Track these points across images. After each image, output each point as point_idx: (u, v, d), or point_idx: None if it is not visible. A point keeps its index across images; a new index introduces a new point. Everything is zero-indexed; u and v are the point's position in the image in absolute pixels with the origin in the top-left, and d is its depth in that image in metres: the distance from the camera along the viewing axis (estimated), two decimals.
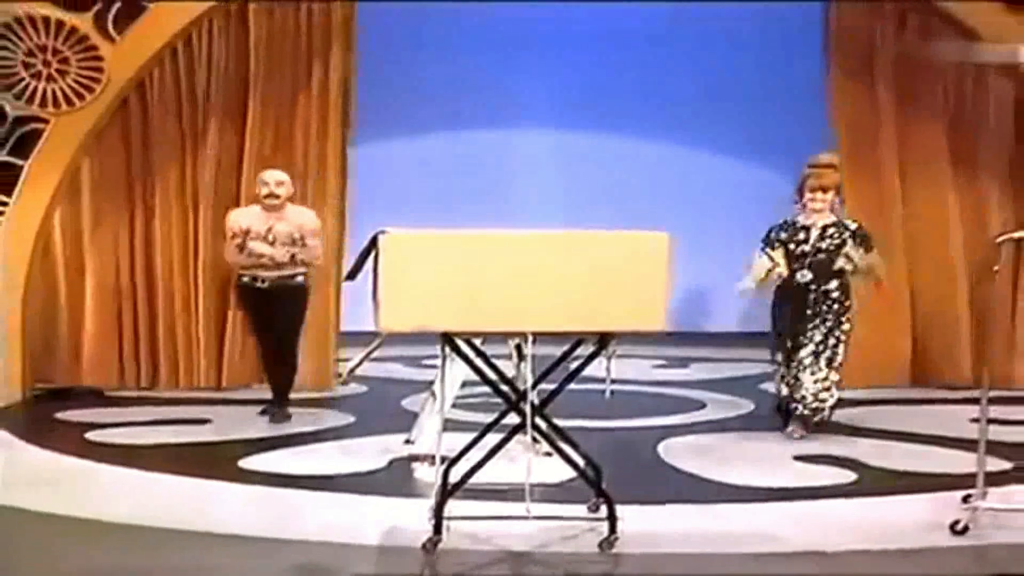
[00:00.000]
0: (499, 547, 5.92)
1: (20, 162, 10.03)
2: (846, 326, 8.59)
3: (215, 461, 7.80)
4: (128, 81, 10.20)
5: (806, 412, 8.54)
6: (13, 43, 9.91)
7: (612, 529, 5.92)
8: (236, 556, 5.88)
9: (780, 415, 8.84)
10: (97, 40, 9.97)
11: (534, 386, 6.19)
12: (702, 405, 10.17)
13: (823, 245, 8.58)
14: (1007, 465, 7.46)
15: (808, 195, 8.66)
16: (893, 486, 7.13)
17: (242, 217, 9.17)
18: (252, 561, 5.80)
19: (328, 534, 6.13)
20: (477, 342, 6.80)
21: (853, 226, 8.68)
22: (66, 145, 10.08)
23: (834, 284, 8.58)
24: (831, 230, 8.65)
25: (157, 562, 5.80)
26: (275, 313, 9.13)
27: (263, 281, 9.03)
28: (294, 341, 9.39)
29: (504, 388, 6.32)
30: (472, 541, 5.93)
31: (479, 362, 6.39)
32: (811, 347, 8.50)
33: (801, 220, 8.70)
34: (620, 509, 5.99)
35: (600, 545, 5.84)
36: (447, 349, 6.11)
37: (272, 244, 8.96)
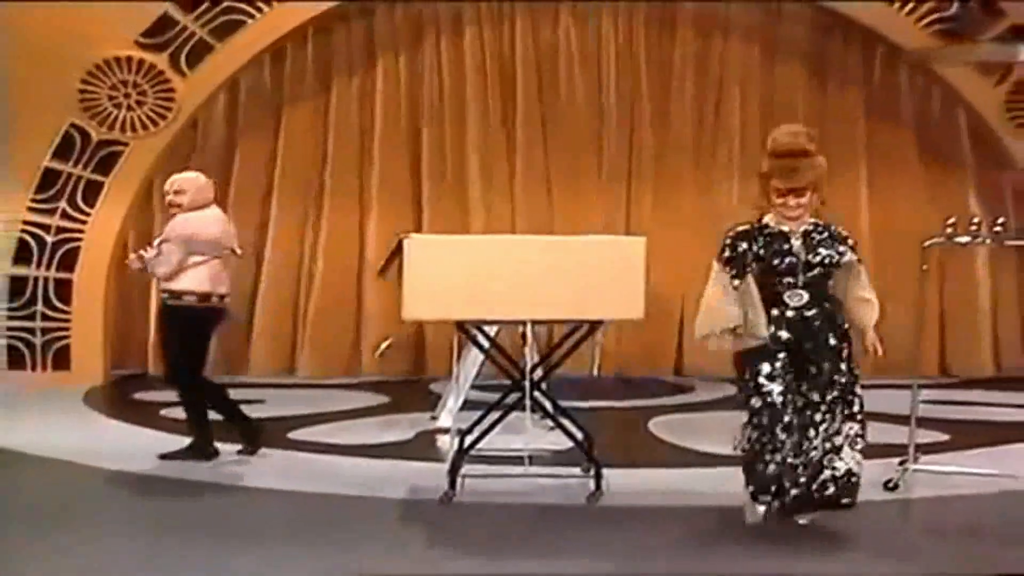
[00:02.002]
0: (502, 500, 6.37)
1: (102, 179, 10.45)
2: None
3: (268, 433, 8.08)
4: (196, 108, 10.63)
5: (837, 494, 5.74)
6: (100, 80, 10.35)
7: (598, 486, 6.40)
8: (285, 507, 6.36)
9: (778, 505, 5.77)
10: (171, 75, 10.38)
11: (534, 368, 6.70)
12: (692, 388, 10.48)
13: (818, 256, 5.73)
14: (944, 437, 7.93)
15: (776, 200, 5.78)
16: None
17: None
18: (298, 511, 6.24)
19: (362, 490, 6.61)
20: (491, 330, 7.26)
21: (842, 232, 5.91)
22: (141, 164, 10.45)
23: (835, 310, 5.80)
24: (817, 236, 5.79)
25: (216, 510, 6.30)
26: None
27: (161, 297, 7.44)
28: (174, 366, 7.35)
29: (509, 368, 6.81)
30: (480, 495, 6.38)
31: (487, 345, 6.88)
32: (829, 400, 5.72)
33: (772, 223, 5.83)
34: (608, 471, 6.47)
35: (587, 498, 6.32)
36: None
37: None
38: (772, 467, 5.63)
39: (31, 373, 10.42)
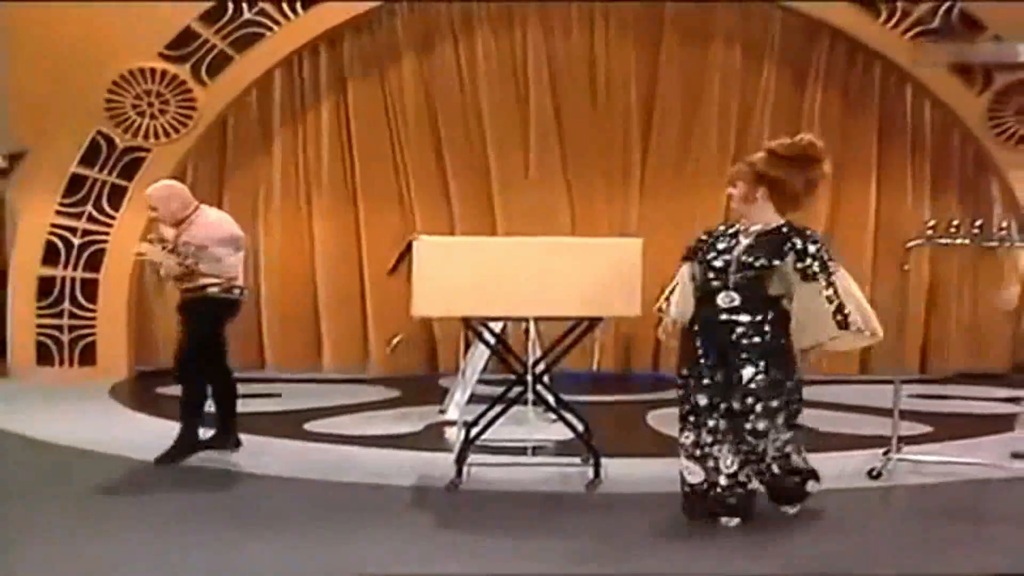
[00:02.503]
0: (506, 488, 6.57)
1: (126, 183, 10.68)
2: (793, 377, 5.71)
3: (286, 424, 8.42)
4: (216, 116, 10.86)
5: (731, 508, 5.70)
6: (125, 90, 10.60)
7: (596, 473, 6.60)
8: (301, 494, 6.57)
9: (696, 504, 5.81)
10: (192, 84, 10.62)
11: (537, 363, 6.90)
12: None
13: (753, 257, 5.63)
14: (928, 429, 8.13)
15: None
16: (834, 444, 7.60)
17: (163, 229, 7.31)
18: (314, 498, 6.45)
19: (373, 478, 6.81)
20: (496, 327, 7.45)
21: (800, 238, 5.64)
22: (164, 169, 10.41)
23: (770, 315, 5.62)
24: (768, 238, 5.66)
25: (233, 497, 6.52)
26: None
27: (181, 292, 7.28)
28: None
29: (513, 363, 7.01)
30: (485, 483, 6.60)
31: (492, 341, 7.09)
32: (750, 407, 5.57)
33: (737, 224, 5.86)
34: (608, 461, 6.67)
35: (586, 486, 6.52)
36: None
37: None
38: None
39: (59, 368, 10.67)
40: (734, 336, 5.62)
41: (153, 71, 10.60)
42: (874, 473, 6.75)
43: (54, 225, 10.70)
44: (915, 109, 11.29)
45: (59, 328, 10.74)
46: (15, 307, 10.78)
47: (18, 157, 10.83)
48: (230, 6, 10.58)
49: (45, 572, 5.14)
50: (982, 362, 11.17)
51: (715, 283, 5.70)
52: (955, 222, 6.90)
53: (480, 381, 8.60)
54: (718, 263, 5.71)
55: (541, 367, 6.86)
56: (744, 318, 5.62)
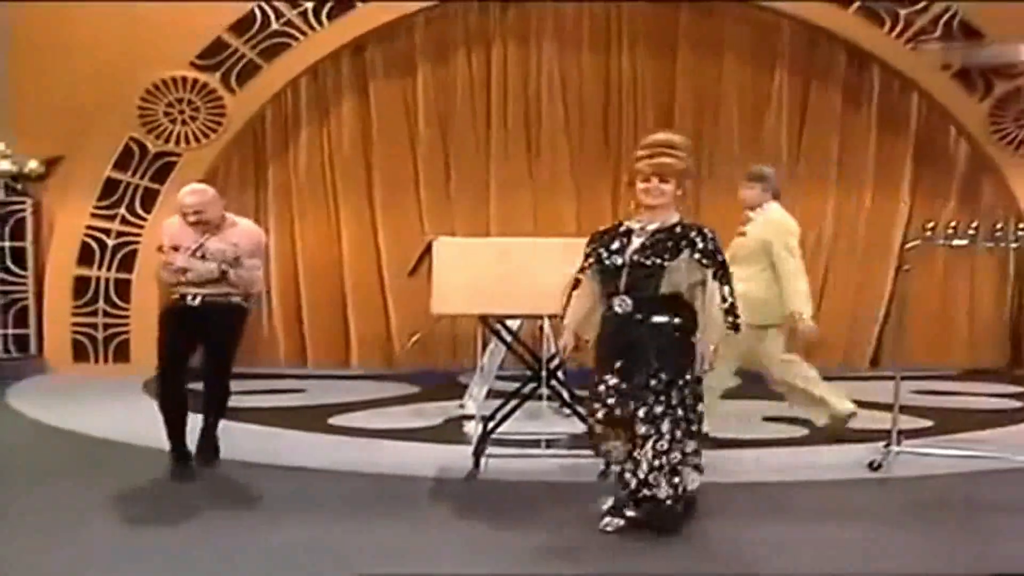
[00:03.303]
0: (521, 478, 6.67)
1: (158, 187, 10.83)
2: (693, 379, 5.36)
3: (311, 418, 8.52)
4: (244, 123, 11.00)
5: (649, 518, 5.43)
6: (157, 97, 10.77)
7: (608, 465, 6.69)
8: (327, 484, 6.67)
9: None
10: (222, 92, 10.78)
11: (551, 359, 7.00)
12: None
13: (645, 257, 5.29)
14: (929, 424, 8.21)
15: (639, 185, 5.38)
16: (836, 438, 7.67)
17: (175, 231, 6.86)
18: (339, 488, 6.56)
19: (395, 469, 6.91)
20: (513, 324, 7.55)
21: (699, 236, 5.32)
22: (194, 173, 10.58)
23: (664, 318, 5.30)
24: (664, 236, 5.32)
25: (258, 487, 6.60)
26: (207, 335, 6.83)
27: (194, 298, 6.73)
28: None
29: (529, 359, 7.12)
30: (501, 474, 6.71)
31: (509, 338, 7.20)
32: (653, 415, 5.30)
33: (628, 222, 5.47)
34: None
35: (598, 476, 6.60)
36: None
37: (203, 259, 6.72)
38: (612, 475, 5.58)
39: (94, 365, 10.82)
40: (632, 339, 5.31)
41: (185, 79, 10.76)
42: (874, 465, 6.83)
43: (89, 227, 10.85)
44: (918, 115, 11.35)
45: (94, 326, 10.89)
46: (51, 306, 10.91)
47: (55, 162, 11.01)
48: (259, 17, 10.72)
49: (81, 552, 5.26)
50: (984, 358, 11.27)
51: (609, 287, 5.39)
52: (953, 224, 6.96)
53: (498, 377, 8.70)
54: (611, 264, 5.38)
55: (555, 363, 6.97)
56: (641, 318, 5.31)
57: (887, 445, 7.01)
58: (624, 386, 5.34)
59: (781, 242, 7.26)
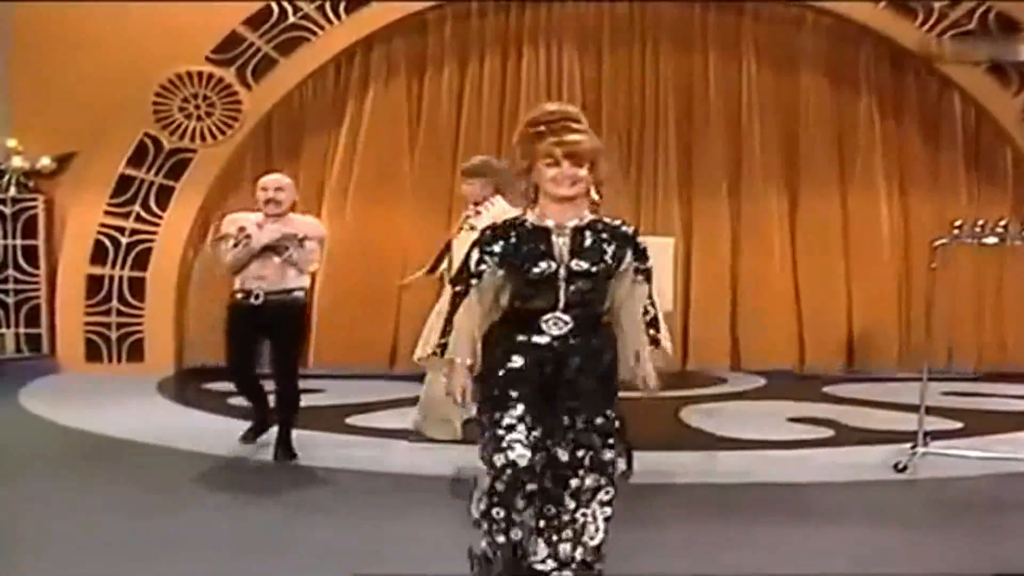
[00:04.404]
0: None
1: (173, 184, 11.06)
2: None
3: (329, 418, 8.67)
4: (261, 118, 11.22)
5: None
6: (172, 93, 11.01)
7: (629, 465, 6.84)
8: (345, 482, 6.90)
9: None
10: (238, 87, 11.02)
11: None
12: (724, 380, 10.95)
13: (585, 263, 4.19)
14: (958, 425, 8.37)
15: (548, 172, 4.18)
16: (861, 439, 7.92)
17: (240, 219, 7.38)
18: (357, 486, 6.79)
19: (411, 469, 7.13)
20: None
21: (634, 234, 4.34)
22: (209, 170, 11.05)
23: (600, 341, 4.31)
24: (590, 236, 4.24)
25: (276, 485, 6.81)
26: (272, 333, 7.34)
27: (257, 297, 7.22)
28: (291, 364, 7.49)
29: None
30: None
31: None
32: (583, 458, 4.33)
33: (532, 219, 4.28)
34: (642, 453, 6.93)
35: (619, 476, 6.77)
36: None
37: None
38: (501, 549, 4.29)
39: (107, 364, 11.02)
40: (567, 370, 4.24)
41: (200, 74, 10.99)
42: (899, 467, 7.00)
43: (103, 225, 11.05)
44: (950, 110, 11.52)
45: (107, 325, 11.09)
46: (64, 305, 11.12)
47: (67, 159, 11.25)
48: (275, 10, 10.94)
49: (100, 551, 5.45)
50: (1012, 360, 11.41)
51: (537, 301, 4.21)
52: (980, 222, 7.11)
53: None
54: (539, 273, 4.18)
55: None
56: (578, 343, 4.23)
57: (913, 446, 7.18)
58: (553, 429, 4.26)
59: None
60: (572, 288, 4.19)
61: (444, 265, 7.30)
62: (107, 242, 11.07)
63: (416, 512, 6.15)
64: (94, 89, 10.78)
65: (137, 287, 11.11)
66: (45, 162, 11.23)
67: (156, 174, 11.08)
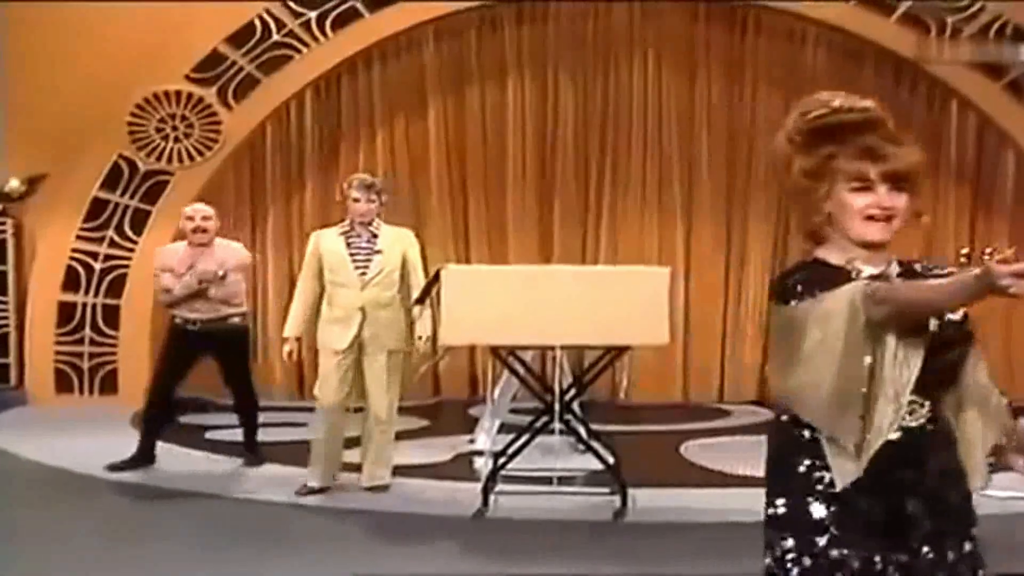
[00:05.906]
0: (531, 516, 6.99)
1: (149, 208, 11.12)
2: None
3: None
4: (242, 140, 11.32)
5: None
6: (149, 113, 11.10)
7: (623, 503, 7.01)
8: (333, 520, 7.00)
9: None
10: (218, 107, 11.10)
11: (564, 392, 7.30)
12: (728, 413, 11.08)
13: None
14: None
15: (852, 202, 2.90)
16: None
17: (165, 255, 8.37)
18: (345, 524, 6.91)
19: (403, 507, 7.24)
20: (527, 356, 7.85)
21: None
22: (187, 193, 10.79)
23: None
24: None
25: (255, 522, 6.96)
26: (215, 357, 8.32)
27: (195, 324, 8.13)
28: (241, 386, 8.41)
29: (541, 392, 7.42)
30: (511, 511, 7.03)
31: (521, 370, 7.50)
32: None
33: (836, 260, 2.94)
34: (638, 491, 7.07)
35: (613, 515, 6.93)
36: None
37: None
38: None
39: (79, 396, 11.06)
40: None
41: (179, 94, 11.07)
42: None
43: (75, 250, 11.09)
44: (960, 125, 11.72)
45: (79, 355, 11.14)
46: (33, 334, 11.17)
47: (37, 181, 11.30)
48: (259, 28, 11.04)
49: None
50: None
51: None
52: (988, 249, 7.22)
53: (512, 411, 9.00)
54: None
55: (568, 396, 7.28)
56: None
57: None
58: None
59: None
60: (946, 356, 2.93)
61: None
62: (79, 268, 11.12)
63: (405, 552, 6.29)
64: (66, 108, 10.82)
65: (110, 315, 11.15)
66: (14, 184, 11.28)
67: (131, 197, 11.14)
